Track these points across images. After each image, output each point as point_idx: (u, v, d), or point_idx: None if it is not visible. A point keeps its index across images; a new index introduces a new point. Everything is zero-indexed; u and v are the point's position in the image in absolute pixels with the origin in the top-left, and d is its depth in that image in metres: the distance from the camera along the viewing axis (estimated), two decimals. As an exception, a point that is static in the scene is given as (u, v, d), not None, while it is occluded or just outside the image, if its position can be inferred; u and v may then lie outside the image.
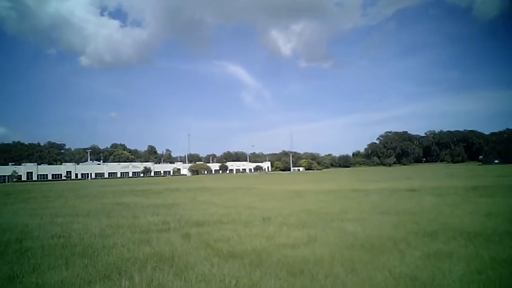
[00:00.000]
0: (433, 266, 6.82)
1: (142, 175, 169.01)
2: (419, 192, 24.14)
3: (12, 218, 16.24)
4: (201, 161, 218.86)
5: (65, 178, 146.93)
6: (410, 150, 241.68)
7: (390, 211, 14.46)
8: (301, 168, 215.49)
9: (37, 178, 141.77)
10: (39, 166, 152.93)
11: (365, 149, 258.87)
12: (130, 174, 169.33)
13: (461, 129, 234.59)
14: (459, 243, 8.57)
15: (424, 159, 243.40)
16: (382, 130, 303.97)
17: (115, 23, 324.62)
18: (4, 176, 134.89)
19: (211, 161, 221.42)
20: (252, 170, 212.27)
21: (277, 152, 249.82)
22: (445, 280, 6.03)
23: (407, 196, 21.77)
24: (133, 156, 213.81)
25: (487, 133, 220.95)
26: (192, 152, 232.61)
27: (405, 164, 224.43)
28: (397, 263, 7.05)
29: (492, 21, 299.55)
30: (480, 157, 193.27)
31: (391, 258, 7.45)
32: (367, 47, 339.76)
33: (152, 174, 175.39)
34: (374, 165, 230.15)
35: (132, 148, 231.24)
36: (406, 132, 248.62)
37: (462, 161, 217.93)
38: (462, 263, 6.92)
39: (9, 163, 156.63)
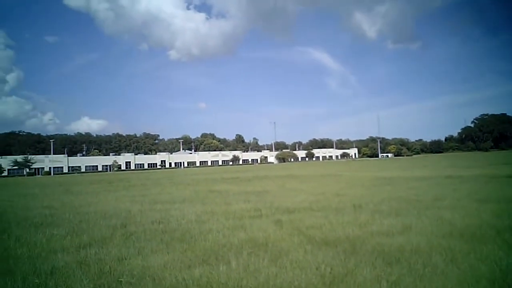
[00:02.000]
0: (545, 258, 6.35)
1: (231, 163, 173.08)
2: (522, 178, 22.49)
3: (116, 205, 17.48)
4: (287, 148, 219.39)
5: (160, 167, 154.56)
6: (510, 133, 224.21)
7: (489, 199, 13.65)
8: (389, 155, 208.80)
9: (135, 167, 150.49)
10: (136, 156, 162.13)
11: (459, 133, 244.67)
12: (220, 163, 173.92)
13: None
14: None
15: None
16: (477, 112, 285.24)
17: (201, 16, 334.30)
18: (106, 165, 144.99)
19: (297, 149, 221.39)
20: (339, 157, 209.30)
21: (364, 138, 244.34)
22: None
23: (508, 182, 20.41)
24: (222, 145, 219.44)
25: None
26: (278, 140, 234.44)
27: (504, 149, 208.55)
28: (503, 254, 6.63)
29: None
30: None
31: (496, 248, 7.02)
32: (458, 24, 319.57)
33: (241, 162, 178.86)
34: (469, 150, 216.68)
35: (221, 137, 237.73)
36: (505, 114, 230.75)
37: None
38: None
39: (110, 154, 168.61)
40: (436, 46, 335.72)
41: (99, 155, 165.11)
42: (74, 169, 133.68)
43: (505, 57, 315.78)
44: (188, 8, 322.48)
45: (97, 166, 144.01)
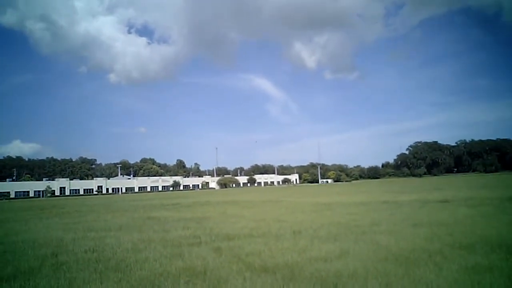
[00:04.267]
0: (472, 280, 6.60)
1: (171, 189, 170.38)
2: (452, 203, 23.61)
3: (48, 233, 16.59)
4: (229, 174, 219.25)
5: (96, 192, 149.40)
6: (441, 160, 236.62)
7: (423, 223, 14.17)
8: (329, 180, 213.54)
9: (70, 193, 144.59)
10: (71, 181, 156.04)
11: (395, 160, 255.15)
12: (160, 188, 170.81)
13: (494, 138, 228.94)
14: (499, 256, 8.29)
15: (455, 169, 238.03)
16: (411, 140, 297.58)
17: (143, 40, 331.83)
18: (39, 191, 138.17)
19: (239, 174, 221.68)
20: (280, 183, 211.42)
21: (305, 164, 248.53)
22: (486, 295, 5.85)
23: (439, 207, 21.32)
24: (163, 170, 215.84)
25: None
26: (220, 166, 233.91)
27: (436, 175, 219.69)
28: (434, 277, 6.87)
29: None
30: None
31: (427, 271, 7.26)
32: (393, 57, 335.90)
33: (181, 188, 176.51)
34: (404, 176, 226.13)
35: (161, 162, 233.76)
36: (436, 142, 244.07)
37: (496, 170, 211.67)
38: (504, 278, 6.70)
39: (43, 179, 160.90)
40: (372, 77, 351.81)
41: (31, 180, 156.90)
42: (2, 195, 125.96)
43: (436, 89, 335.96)
44: (129, 32, 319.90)
45: (28, 192, 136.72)
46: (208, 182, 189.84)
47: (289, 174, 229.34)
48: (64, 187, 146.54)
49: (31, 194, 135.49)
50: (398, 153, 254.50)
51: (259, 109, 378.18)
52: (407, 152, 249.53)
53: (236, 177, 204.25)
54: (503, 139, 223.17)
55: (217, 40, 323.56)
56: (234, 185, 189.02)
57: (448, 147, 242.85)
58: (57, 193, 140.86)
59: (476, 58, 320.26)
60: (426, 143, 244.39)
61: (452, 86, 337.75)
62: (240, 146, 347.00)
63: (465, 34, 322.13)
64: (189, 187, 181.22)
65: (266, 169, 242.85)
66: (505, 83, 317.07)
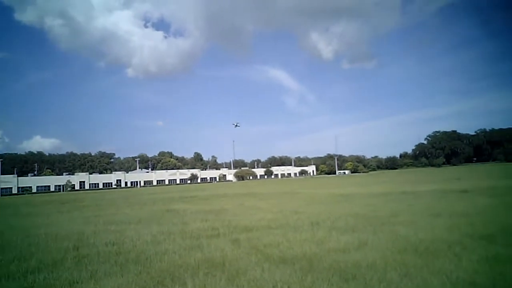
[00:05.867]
0: (492, 271, 6.54)
1: (189, 181, 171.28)
2: (472, 193, 23.33)
3: (69, 226, 16.87)
4: (246, 166, 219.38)
5: (115, 186, 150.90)
6: (460, 149, 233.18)
7: (442, 214, 14.05)
8: (346, 171, 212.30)
9: (89, 187, 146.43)
10: (90, 175, 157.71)
11: (413, 150, 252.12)
12: (178, 181, 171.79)
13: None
14: (519, 246, 8.19)
15: (475, 158, 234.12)
16: (430, 130, 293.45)
17: (159, 34, 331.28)
18: (59, 185, 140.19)
19: (256, 167, 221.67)
20: (297, 174, 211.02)
21: (322, 155, 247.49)
22: (508, 286, 5.79)
23: (459, 197, 21.09)
24: (180, 163, 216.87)
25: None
26: (237, 158, 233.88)
27: (455, 165, 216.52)
28: (454, 267, 6.82)
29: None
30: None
31: (447, 262, 7.21)
32: (411, 45, 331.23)
33: (199, 180, 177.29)
34: (423, 166, 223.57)
35: (179, 155, 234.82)
36: (455, 131, 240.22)
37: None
38: (525, 268, 6.62)
39: (64, 173, 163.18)
40: (390, 65, 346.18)
41: (52, 174, 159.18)
42: (24, 190, 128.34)
43: (455, 77, 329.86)
44: (145, 26, 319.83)
45: (49, 186, 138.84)
46: (225, 175, 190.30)
47: (306, 166, 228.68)
48: (84, 181, 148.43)
49: (52, 189, 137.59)
50: (417, 143, 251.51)
51: (276, 100, 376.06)
52: (425, 142, 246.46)
53: (253, 169, 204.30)
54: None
55: (233, 32, 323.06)
56: (251, 178, 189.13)
57: (467, 136, 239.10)
58: (77, 187, 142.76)
59: (494, 44, 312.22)
60: (444, 132, 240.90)
61: (472, 74, 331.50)
62: (257, 138, 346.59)
63: (486, 19, 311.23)
64: (207, 180, 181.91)
65: (283, 161, 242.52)
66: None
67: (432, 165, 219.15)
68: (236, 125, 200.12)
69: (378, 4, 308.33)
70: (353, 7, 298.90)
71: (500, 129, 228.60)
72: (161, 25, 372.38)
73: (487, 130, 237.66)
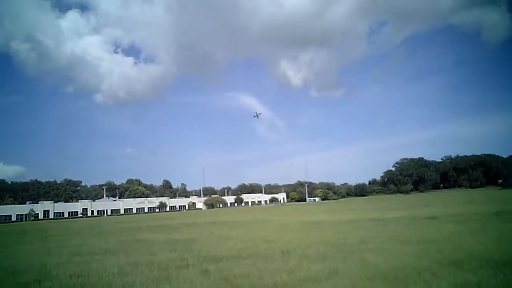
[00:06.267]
0: (462, 297, 6.57)
1: (157, 210, 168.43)
2: (439, 219, 23.73)
3: (31, 258, 16.25)
4: (216, 194, 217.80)
5: (81, 215, 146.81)
6: (427, 176, 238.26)
7: (411, 240, 14.19)
8: (317, 199, 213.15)
9: (54, 216, 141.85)
10: (55, 204, 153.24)
11: (381, 177, 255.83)
12: (146, 210, 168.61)
13: (478, 153, 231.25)
14: (487, 272, 8.29)
15: (441, 185, 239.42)
16: (397, 156, 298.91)
17: (129, 59, 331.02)
18: (22, 215, 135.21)
19: (226, 194, 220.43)
20: (268, 202, 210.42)
21: (292, 182, 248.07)
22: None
23: (427, 224, 21.40)
24: (149, 191, 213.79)
25: (505, 156, 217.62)
26: (207, 186, 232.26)
27: (422, 191, 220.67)
28: (424, 295, 6.82)
29: (502, 43, 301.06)
30: (499, 181, 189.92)
31: (417, 290, 7.22)
32: (378, 74, 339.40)
33: (168, 209, 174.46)
34: (391, 193, 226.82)
35: (148, 183, 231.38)
36: (422, 158, 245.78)
37: (481, 186, 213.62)
38: (492, 294, 6.68)
39: (27, 202, 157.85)
40: (357, 94, 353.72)
41: (14, 203, 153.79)
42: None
43: (422, 105, 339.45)
44: (115, 52, 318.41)
45: (10, 216, 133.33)
46: (195, 203, 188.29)
47: (277, 193, 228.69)
48: (48, 210, 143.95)
49: (14, 218, 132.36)
50: (385, 170, 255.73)
51: (246, 127, 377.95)
52: (393, 169, 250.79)
53: (223, 197, 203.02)
54: (487, 154, 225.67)
55: (204, 59, 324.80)
56: (221, 205, 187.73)
57: (434, 163, 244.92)
58: (41, 216, 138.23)
59: (459, 74, 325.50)
60: (412, 159, 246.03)
61: (437, 102, 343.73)
62: (227, 165, 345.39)
63: (448, 51, 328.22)
64: (176, 208, 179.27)
65: (253, 188, 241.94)
66: (487, 98, 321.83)
67: (401, 192, 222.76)
68: (257, 115, 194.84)
69: (345, 35, 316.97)
70: (321, 37, 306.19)
71: (465, 156, 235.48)
72: (131, 51, 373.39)
73: (453, 157, 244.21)
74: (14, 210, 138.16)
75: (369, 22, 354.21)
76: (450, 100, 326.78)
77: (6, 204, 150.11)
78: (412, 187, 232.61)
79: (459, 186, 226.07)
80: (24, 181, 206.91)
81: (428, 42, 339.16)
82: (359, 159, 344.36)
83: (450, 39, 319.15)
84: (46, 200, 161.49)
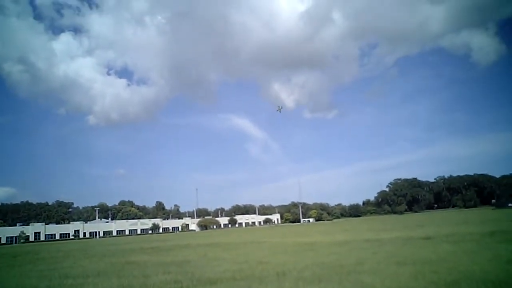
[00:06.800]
0: (460, 319, 6.50)
1: (150, 231, 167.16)
2: (434, 239, 23.67)
3: (20, 281, 15.96)
4: (210, 215, 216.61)
5: (73, 237, 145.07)
6: (421, 196, 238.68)
7: (406, 261, 14.08)
8: (311, 219, 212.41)
9: (45, 238, 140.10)
10: (46, 225, 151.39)
11: (375, 197, 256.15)
12: (139, 231, 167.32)
13: (471, 173, 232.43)
14: (484, 293, 8.23)
15: (435, 205, 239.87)
16: (391, 177, 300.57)
17: (122, 81, 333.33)
18: (12, 237, 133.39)
19: (219, 215, 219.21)
20: (262, 223, 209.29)
21: (286, 203, 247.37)
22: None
23: (422, 244, 21.32)
24: (141, 212, 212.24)
25: (498, 176, 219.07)
26: (201, 207, 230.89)
27: (416, 211, 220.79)
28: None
29: (492, 64, 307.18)
30: (493, 201, 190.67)
31: (415, 312, 7.13)
32: (370, 95, 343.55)
33: (161, 230, 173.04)
34: (385, 213, 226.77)
35: (140, 204, 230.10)
36: (416, 178, 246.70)
37: (475, 205, 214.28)
38: (490, 315, 6.62)
39: (17, 224, 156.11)
40: (350, 115, 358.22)
41: (4, 225, 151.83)
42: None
43: (414, 125, 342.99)
44: (108, 74, 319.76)
45: (0, 238, 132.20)
46: (188, 224, 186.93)
47: (271, 214, 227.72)
48: (39, 232, 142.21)
49: (3, 241, 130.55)
50: (379, 191, 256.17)
51: (239, 148, 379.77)
52: (387, 189, 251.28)
53: (216, 218, 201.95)
54: (481, 174, 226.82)
55: (197, 81, 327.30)
56: (215, 227, 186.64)
57: (427, 184, 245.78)
58: (32, 238, 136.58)
59: (451, 94, 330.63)
60: (406, 179, 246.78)
61: (430, 122, 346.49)
62: (220, 186, 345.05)
63: (439, 72, 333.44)
64: (169, 230, 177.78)
65: (247, 209, 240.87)
66: (479, 118, 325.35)
67: (395, 212, 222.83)
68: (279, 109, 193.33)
69: (337, 57, 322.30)
70: (313, 60, 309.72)
71: (458, 176, 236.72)
72: (124, 73, 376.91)
73: (446, 177, 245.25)
74: (4, 232, 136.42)
75: (360, 44, 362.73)
76: (443, 120, 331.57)
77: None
78: (406, 207, 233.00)
79: (453, 206, 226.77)
80: (15, 202, 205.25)
81: (419, 63, 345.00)
82: (353, 179, 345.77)
83: (441, 60, 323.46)
84: (37, 222, 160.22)
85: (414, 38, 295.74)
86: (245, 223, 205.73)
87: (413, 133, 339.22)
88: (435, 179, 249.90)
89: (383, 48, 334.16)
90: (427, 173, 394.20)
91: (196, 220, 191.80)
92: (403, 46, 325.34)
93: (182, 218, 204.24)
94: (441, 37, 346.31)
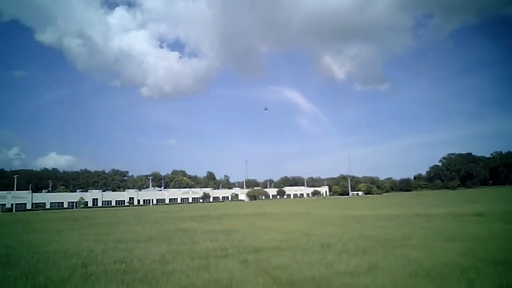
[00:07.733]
0: (506, 298, 6.35)
1: (201, 200, 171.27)
2: (487, 217, 22.88)
3: (79, 243, 16.89)
4: (259, 186, 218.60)
5: (127, 204, 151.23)
6: (475, 172, 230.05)
7: (455, 237, 13.77)
8: (360, 193, 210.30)
9: (102, 204, 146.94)
10: (103, 192, 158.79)
11: (427, 172, 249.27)
12: (190, 200, 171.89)
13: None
14: (535, 273, 7.96)
15: (490, 181, 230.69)
16: (444, 152, 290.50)
17: (174, 54, 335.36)
18: (73, 202, 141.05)
19: (268, 186, 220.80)
20: (310, 195, 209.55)
21: (335, 176, 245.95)
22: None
23: (473, 221, 20.69)
24: (193, 182, 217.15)
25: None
26: (250, 178, 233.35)
27: (470, 187, 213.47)
28: (466, 293, 6.63)
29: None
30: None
31: (459, 288, 7.02)
32: (424, 67, 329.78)
33: (211, 199, 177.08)
34: (437, 188, 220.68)
35: (192, 174, 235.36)
36: (471, 153, 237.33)
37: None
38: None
39: (77, 190, 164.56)
40: (403, 88, 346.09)
41: (66, 191, 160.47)
42: (38, 206, 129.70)
43: (470, 99, 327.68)
44: (161, 47, 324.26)
45: (62, 203, 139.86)
46: (237, 194, 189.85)
47: (319, 186, 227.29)
48: (97, 199, 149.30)
49: (65, 205, 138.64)
50: (431, 165, 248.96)
51: (289, 121, 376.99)
52: (440, 164, 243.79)
53: (265, 189, 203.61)
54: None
55: (247, 53, 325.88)
56: (263, 197, 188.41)
57: (483, 159, 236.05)
58: (90, 204, 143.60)
59: (510, 67, 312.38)
60: (459, 154, 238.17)
61: (486, 96, 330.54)
62: (269, 158, 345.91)
63: (499, 43, 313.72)
64: (219, 199, 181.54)
65: (295, 181, 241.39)
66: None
67: (447, 188, 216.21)
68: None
69: (391, 28, 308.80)
70: (366, 30, 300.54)
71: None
72: (176, 45, 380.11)
73: (503, 152, 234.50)
74: (66, 197, 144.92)
75: (414, 14, 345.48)
76: (500, 94, 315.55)
77: (59, 191, 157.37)
78: (459, 183, 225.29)
79: (510, 183, 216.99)
80: (74, 170, 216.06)
81: (477, 34, 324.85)
82: (404, 153, 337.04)
83: (501, 31, 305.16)
84: (95, 189, 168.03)
85: (472, 6, 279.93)
86: (293, 194, 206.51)
87: (468, 107, 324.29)
88: (491, 154, 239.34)
89: (438, 18, 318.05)
90: (483, 149, 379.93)
91: (245, 190, 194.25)
92: (461, 16, 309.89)
93: (231, 188, 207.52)
94: (503, 4, 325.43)
